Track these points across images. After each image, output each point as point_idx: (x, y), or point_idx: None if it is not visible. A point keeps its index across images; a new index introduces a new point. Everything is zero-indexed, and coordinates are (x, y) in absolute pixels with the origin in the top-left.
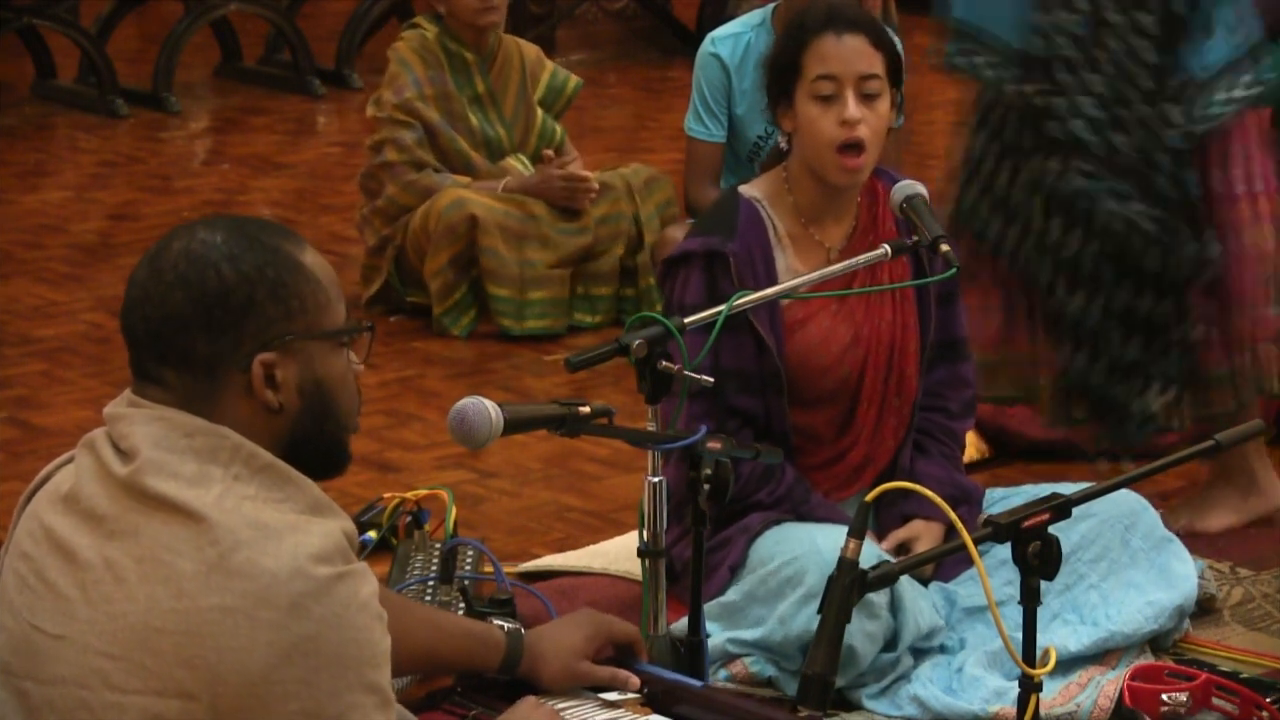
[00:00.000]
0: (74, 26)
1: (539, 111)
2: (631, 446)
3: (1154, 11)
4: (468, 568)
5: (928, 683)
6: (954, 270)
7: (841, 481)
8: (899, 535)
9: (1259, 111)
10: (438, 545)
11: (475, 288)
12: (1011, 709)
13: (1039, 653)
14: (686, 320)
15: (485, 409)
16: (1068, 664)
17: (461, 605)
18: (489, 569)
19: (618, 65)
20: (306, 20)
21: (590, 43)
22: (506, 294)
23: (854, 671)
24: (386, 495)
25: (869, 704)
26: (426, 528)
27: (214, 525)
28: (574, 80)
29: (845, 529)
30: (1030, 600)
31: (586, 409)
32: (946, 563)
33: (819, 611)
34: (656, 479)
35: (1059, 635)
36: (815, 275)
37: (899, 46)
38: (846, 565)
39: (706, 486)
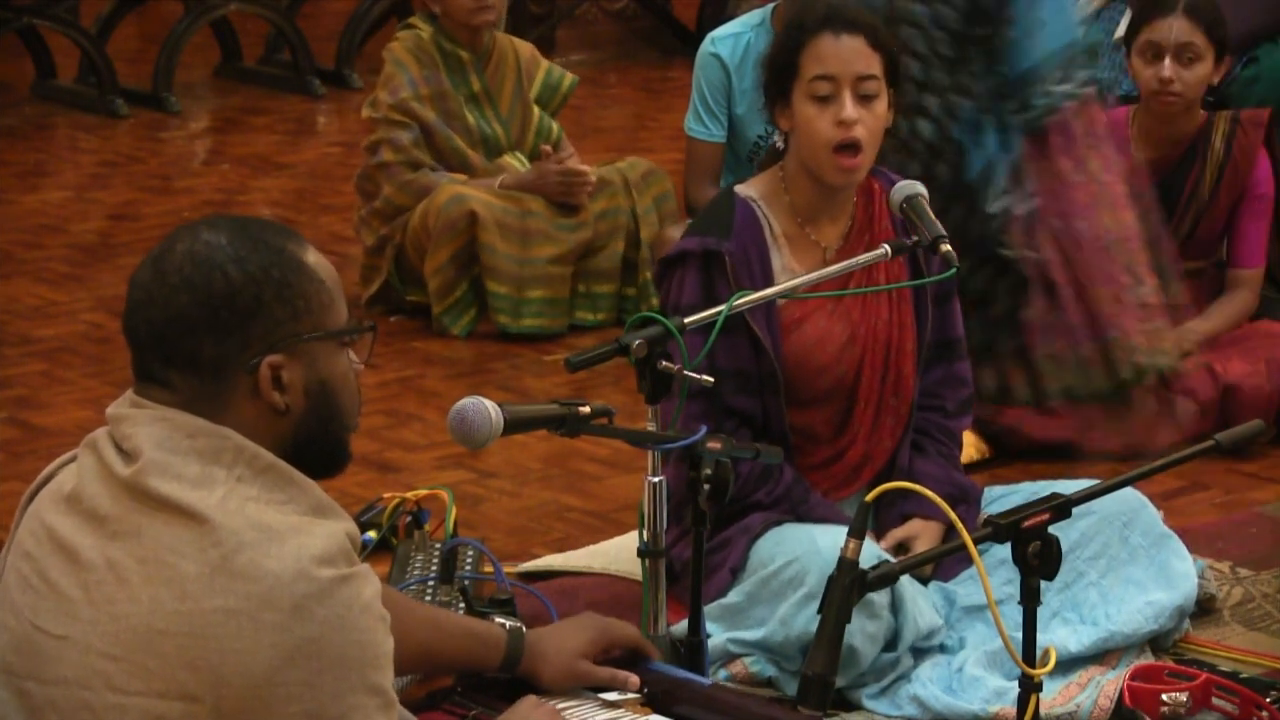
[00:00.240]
0: (74, 26)
1: (536, 109)
2: (631, 446)
3: (959, 9)
4: (468, 568)
5: (928, 683)
6: (953, 270)
7: (840, 481)
8: (898, 534)
9: (1110, 110)
10: (438, 545)
11: (475, 286)
12: (1011, 709)
13: (1039, 653)
14: (686, 320)
15: (485, 409)
16: (1068, 664)
17: (461, 605)
18: (489, 569)
19: (618, 65)
20: (306, 20)
21: (590, 43)
22: (504, 291)
23: (855, 671)
24: (386, 495)
25: (869, 704)
26: (426, 528)
27: (217, 527)
28: (569, 77)
29: (845, 529)
30: (1030, 600)
31: (586, 409)
32: (946, 562)
33: (819, 612)
34: (656, 479)
35: (1059, 635)
36: (814, 275)
37: None
38: (846, 565)
39: (706, 486)
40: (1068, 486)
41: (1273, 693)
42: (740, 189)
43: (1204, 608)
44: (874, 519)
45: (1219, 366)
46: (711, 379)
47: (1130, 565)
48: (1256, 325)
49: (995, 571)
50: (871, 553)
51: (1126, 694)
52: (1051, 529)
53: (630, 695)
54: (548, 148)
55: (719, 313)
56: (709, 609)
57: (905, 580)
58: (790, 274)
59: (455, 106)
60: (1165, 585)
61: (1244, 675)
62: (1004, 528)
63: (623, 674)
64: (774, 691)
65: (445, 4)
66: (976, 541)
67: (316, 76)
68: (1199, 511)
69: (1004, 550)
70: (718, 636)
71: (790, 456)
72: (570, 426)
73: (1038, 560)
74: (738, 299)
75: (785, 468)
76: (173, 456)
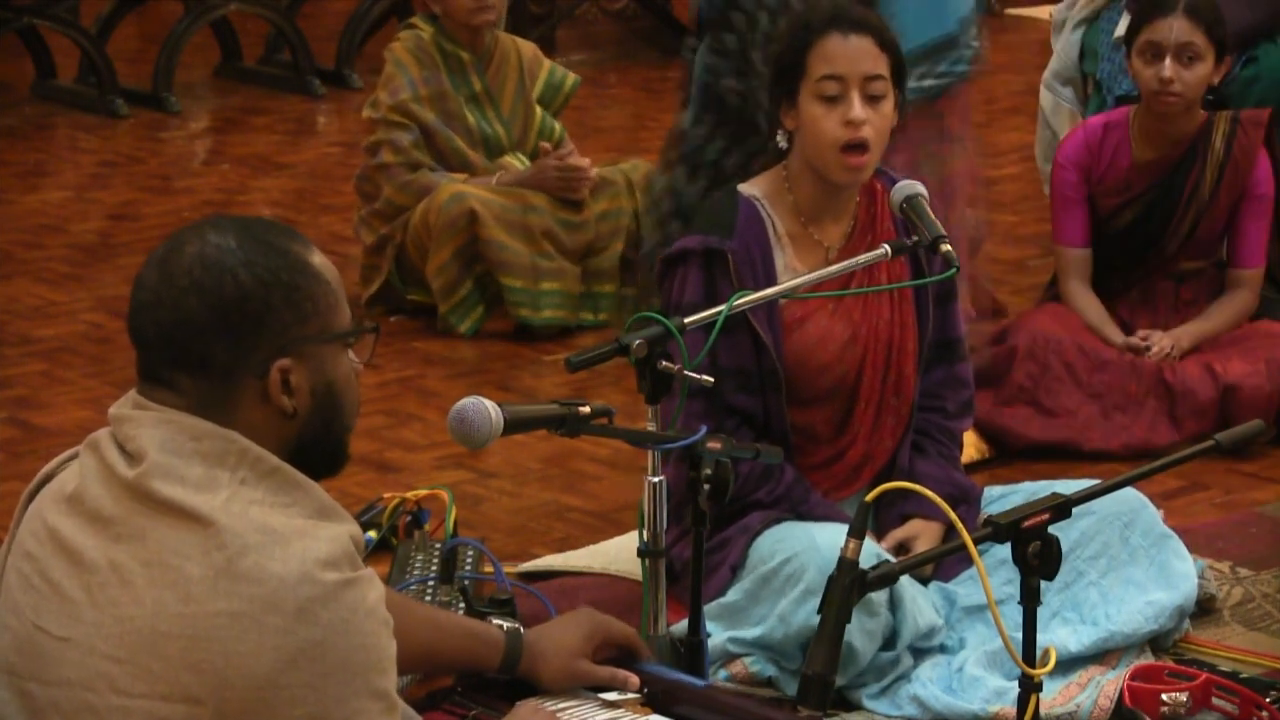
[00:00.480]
0: (74, 26)
1: (538, 109)
2: (631, 446)
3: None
4: (468, 568)
5: (928, 683)
6: (954, 270)
7: (840, 481)
8: (898, 535)
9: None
10: (438, 545)
11: (480, 285)
12: (1011, 709)
13: (1039, 653)
14: (687, 320)
15: (485, 409)
16: (1068, 664)
17: (461, 605)
18: (489, 569)
19: (618, 65)
20: (306, 20)
21: (590, 43)
22: (521, 284)
23: (853, 669)
24: (386, 495)
25: (869, 704)
26: (426, 528)
27: (221, 530)
28: (571, 77)
29: (844, 527)
30: (1030, 600)
31: (586, 409)
32: (946, 562)
33: (819, 611)
34: (656, 479)
35: (1059, 634)
36: (816, 275)
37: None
38: (846, 565)
39: (706, 486)
40: (1068, 486)
41: (1273, 693)
42: (743, 188)
43: (1204, 608)
44: (874, 519)
45: (1219, 366)
46: (711, 379)
47: (1130, 565)
48: (1256, 325)
49: (995, 571)
50: (871, 552)
51: (1126, 694)
52: (1051, 529)
53: (630, 695)
54: (547, 145)
55: (719, 312)
56: (709, 609)
57: (905, 579)
58: (793, 273)
59: (456, 107)
60: (1165, 585)
61: (1244, 675)
62: (1004, 528)
63: (623, 673)
64: (774, 691)
65: (445, 4)
66: (976, 541)
67: (316, 76)
68: (1199, 511)
69: (1004, 550)
70: (717, 636)
71: (791, 456)
72: (570, 426)
73: (1038, 560)
74: (738, 299)
75: (786, 467)
76: (177, 459)
